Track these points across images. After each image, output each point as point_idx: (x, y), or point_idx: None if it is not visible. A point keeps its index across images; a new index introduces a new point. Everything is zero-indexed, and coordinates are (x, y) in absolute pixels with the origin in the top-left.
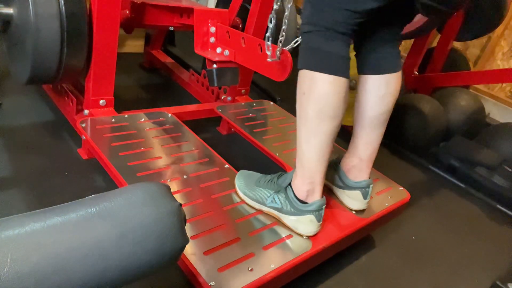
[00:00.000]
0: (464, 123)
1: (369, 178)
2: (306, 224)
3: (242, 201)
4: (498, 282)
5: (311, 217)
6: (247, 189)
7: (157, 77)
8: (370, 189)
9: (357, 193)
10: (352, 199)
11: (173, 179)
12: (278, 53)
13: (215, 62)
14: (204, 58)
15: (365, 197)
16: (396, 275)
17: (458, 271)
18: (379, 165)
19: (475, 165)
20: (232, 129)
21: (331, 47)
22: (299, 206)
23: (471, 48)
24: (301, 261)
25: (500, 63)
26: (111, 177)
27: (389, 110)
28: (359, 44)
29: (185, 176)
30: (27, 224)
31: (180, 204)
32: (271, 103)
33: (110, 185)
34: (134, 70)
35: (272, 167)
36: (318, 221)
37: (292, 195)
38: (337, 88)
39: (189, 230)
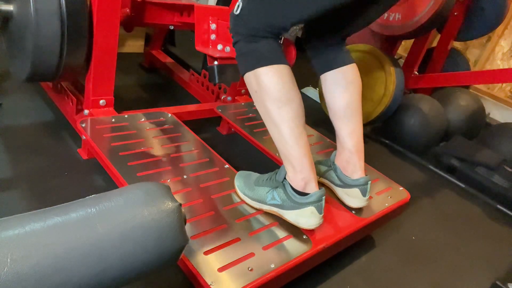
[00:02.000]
0: (464, 123)
1: (366, 175)
2: (308, 217)
3: (242, 201)
4: (498, 282)
5: (311, 209)
6: (247, 189)
7: (157, 77)
8: (368, 186)
9: (356, 191)
10: (351, 197)
11: (173, 179)
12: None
13: (216, 59)
14: (204, 58)
15: (364, 195)
16: (396, 275)
17: (458, 271)
18: (379, 165)
19: (475, 165)
20: (232, 129)
21: (259, 46)
22: (298, 199)
23: (471, 48)
24: (301, 261)
25: (500, 63)
26: (111, 177)
27: (357, 98)
28: (309, 51)
29: (185, 176)
30: (27, 224)
31: (180, 204)
32: None
33: (110, 185)
34: (134, 70)
35: (272, 167)
36: (320, 213)
37: (290, 189)
38: (279, 74)
39: (189, 230)
